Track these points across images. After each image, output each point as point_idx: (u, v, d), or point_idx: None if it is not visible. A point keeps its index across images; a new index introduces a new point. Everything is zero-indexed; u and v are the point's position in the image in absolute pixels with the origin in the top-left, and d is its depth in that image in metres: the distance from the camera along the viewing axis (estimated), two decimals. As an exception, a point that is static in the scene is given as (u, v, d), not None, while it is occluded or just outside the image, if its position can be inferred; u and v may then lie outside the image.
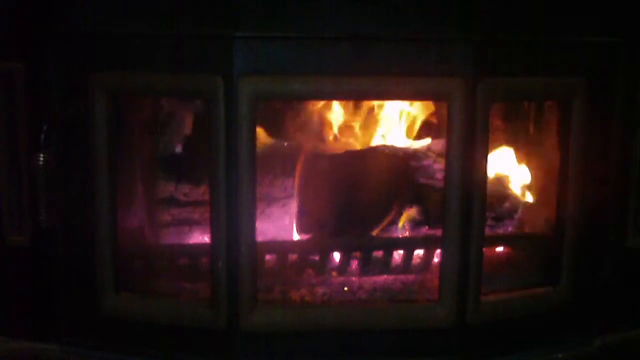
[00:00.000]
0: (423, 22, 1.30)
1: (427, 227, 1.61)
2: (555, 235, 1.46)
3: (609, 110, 1.45)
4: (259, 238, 1.36)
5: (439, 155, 1.64)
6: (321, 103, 1.67)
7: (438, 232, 1.40)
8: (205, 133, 1.32)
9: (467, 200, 1.33)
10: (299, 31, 1.28)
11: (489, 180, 1.39)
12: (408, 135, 1.72)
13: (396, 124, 1.69)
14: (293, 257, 1.53)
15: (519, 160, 1.66)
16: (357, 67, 1.29)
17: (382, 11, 1.28)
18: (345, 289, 1.51)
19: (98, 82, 1.32)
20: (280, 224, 1.66)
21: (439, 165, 1.57)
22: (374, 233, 1.61)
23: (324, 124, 1.69)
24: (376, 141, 1.69)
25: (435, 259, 1.55)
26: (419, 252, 1.56)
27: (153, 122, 1.59)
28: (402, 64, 1.30)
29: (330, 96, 1.42)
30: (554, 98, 1.46)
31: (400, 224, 1.62)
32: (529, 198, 1.65)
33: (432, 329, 1.38)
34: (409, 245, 1.57)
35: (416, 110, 1.71)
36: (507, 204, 1.65)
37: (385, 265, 1.55)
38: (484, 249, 1.38)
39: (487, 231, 1.43)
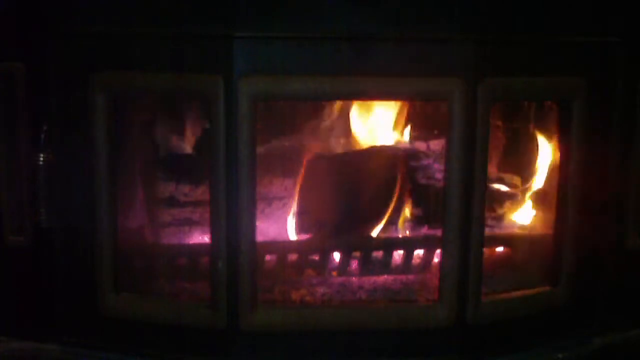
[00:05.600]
0: (423, 22, 1.30)
1: (427, 227, 1.61)
2: (555, 235, 1.46)
3: (609, 110, 1.45)
4: (259, 238, 1.36)
5: (439, 155, 1.64)
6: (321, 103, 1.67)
7: (438, 232, 1.40)
8: (205, 133, 1.32)
9: (467, 200, 1.33)
10: (299, 31, 1.28)
11: (488, 180, 1.39)
12: (408, 135, 1.72)
13: (396, 123, 1.69)
14: (293, 257, 1.53)
15: (519, 160, 1.66)
16: (357, 67, 1.29)
17: (381, 11, 1.28)
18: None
19: (98, 82, 1.32)
20: (280, 224, 1.66)
21: (439, 165, 1.57)
22: (374, 233, 1.60)
23: (324, 124, 1.69)
24: (376, 141, 1.69)
25: (435, 259, 1.55)
26: (419, 252, 1.56)
27: (153, 122, 1.59)
28: (402, 64, 1.30)
29: (330, 96, 1.42)
30: (554, 98, 1.46)
31: (400, 224, 1.62)
32: (529, 198, 1.65)
33: (432, 329, 1.38)
34: (409, 245, 1.57)
35: (415, 110, 1.71)
36: (507, 204, 1.65)
37: (385, 265, 1.55)
38: (484, 249, 1.38)
39: (487, 231, 1.43)
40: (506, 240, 1.64)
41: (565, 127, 1.42)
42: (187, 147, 1.65)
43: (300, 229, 1.62)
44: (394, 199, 1.61)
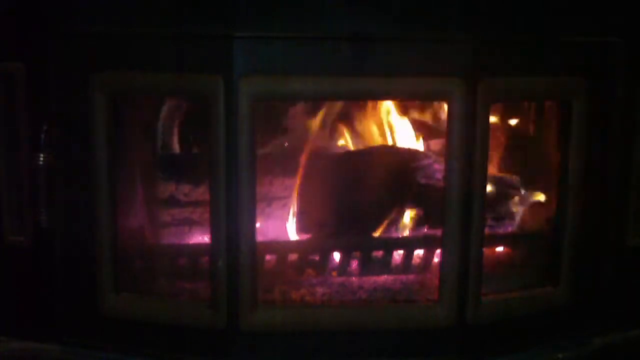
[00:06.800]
0: (423, 22, 1.30)
1: (427, 227, 1.61)
2: (555, 235, 1.46)
3: (609, 110, 1.45)
4: (259, 238, 1.36)
5: (439, 155, 1.64)
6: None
7: (438, 232, 1.40)
8: (205, 133, 1.32)
9: (467, 200, 1.33)
10: (299, 31, 1.28)
11: (488, 180, 1.39)
12: (408, 135, 1.72)
13: (396, 123, 1.69)
14: (293, 257, 1.53)
15: (519, 160, 1.66)
16: (357, 67, 1.29)
17: (382, 11, 1.28)
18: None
19: (98, 82, 1.32)
20: (280, 224, 1.66)
21: (439, 165, 1.57)
22: (374, 233, 1.60)
23: (324, 124, 1.69)
24: (376, 141, 1.69)
25: (435, 259, 1.55)
26: (419, 252, 1.56)
27: (153, 122, 1.59)
28: (402, 64, 1.30)
29: (330, 96, 1.42)
30: (554, 98, 1.46)
31: (400, 224, 1.61)
32: (529, 198, 1.65)
33: (432, 329, 1.38)
34: (409, 245, 1.57)
35: (416, 110, 1.71)
36: (507, 204, 1.65)
37: (385, 265, 1.55)
38: (484, 249, 1.38)
39: (487, 231, 1.43)
40: (506, 240, 1.64)
41: (565, 127, 1.42)
42: (187, 147, 1.64)
43: (300, 229, 1.62)
44: (394, 199, 1.61)
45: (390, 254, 1.56)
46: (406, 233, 1.61)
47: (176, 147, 1.65)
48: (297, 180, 1.64)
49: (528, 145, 1.62)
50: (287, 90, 1.30)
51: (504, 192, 1.65)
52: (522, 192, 1.66)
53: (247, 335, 1.35)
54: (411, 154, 1.64)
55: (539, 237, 1.56)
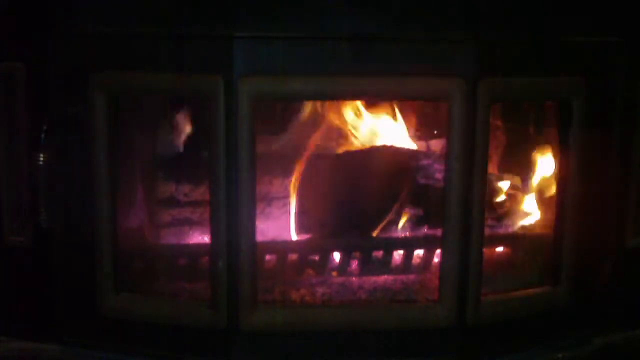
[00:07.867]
0: (423, 22, 1.30)
1: (427, 227, 1.61)
2: (555, 236, 1.46)
3: (609, 110, 1.45)
4: (259, 238, 1.36)
5: (439, 155, 1.64)
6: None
7: (438, 232, 1.40)
8: (205, 133, 1.32)
9: (467, 200, 1.33)
10: (299, 31, 1.28)
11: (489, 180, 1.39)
12: (408, 135, 1.72)
13: (396, 123, 1.69)
14: (293, 257, 1.53)
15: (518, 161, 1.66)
16: (357, 67, 1.29)
17: (382, 11, 1.28)
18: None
19: (98, 82, 1.32)
20: (280, 224, 1.66)
21: (439, 165, 1.57)
22: (374, 233, 1.60)
23: (325, 124, 1.69)
24: (376, 141, 1.69)
25: (435, 259, 1.55)
26: (419, 252, 1.56)
27: (153, 122, 1.59)
28: (402, 64, 1.30)
29: (330, 96, 1.42)
30: (554, 98, 1.46)
31: (400, 224, 1.62)
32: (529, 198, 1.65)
33: (432, 329, 1.38)
34: (409, 245, 1.57)
35: (416, 110, 1.71)
36: (507, 204, 1.65)
37: (385, 265, 1.55)
38: (484, 249, 1.38)
39: (487, 231, 1.43)
40: (506, 240, 1.64)
41: (565, 127, 1.42)
42: (187, 147, 1.64)
43: (300, 229, 1.62)
44: (394, 199, 1.61)
45: (390, 254, 1.56)
46: (406, 233, 1.61)
47: (176, 147, 1.64)
48: (297, 180, 1.64)
49: (528, 145, 1.62)
50: (287, 90, 1.30)
51: (504, 192, 1.65)
52: (522, 192, 1.66)
53: (247, 335, 1.35)
54: (411, 154, 1.64)
55: (539, 237, 1.56)
